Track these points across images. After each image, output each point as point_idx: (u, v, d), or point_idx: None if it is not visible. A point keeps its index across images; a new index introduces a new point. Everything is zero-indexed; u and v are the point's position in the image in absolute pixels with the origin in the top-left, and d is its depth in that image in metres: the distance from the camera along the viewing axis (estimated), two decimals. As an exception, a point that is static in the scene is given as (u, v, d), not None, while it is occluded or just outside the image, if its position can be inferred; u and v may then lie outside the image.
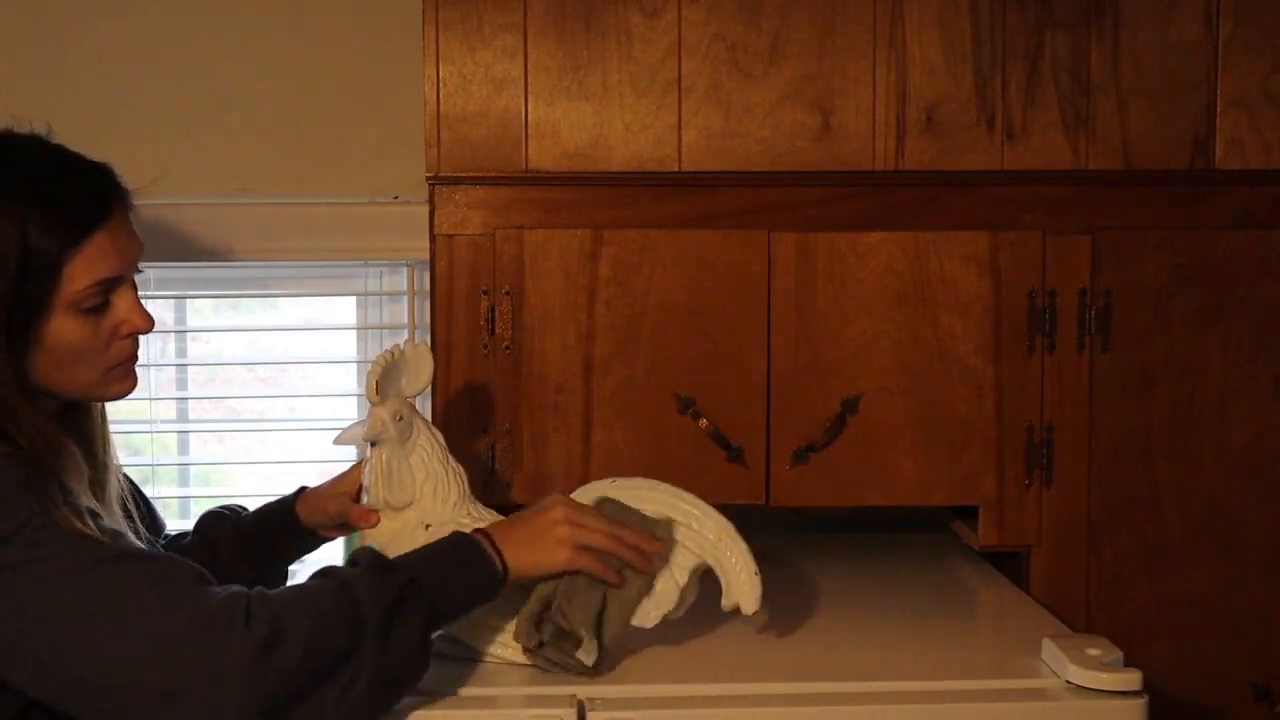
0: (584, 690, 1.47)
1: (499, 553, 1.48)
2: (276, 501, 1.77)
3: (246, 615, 1.33)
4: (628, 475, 1.63)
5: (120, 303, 1.48)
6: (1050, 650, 1.54)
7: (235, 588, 1.38)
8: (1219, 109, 1.89)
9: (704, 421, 1.87)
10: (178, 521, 2.11)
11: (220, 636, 1.32)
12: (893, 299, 1.88)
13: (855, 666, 1.58)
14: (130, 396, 1.55)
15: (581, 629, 1.49)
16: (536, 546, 1.49)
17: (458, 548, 1.48)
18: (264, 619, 1.34)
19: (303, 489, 1.76)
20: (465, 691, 1.50)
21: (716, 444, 1.88)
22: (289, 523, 1.74)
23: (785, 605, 1.72)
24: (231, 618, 1.33)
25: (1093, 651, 1.51)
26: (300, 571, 1.80)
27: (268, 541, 1.75)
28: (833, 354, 1.88)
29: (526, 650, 1.52)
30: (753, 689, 1.51)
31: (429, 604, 1.42)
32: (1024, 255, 1.88)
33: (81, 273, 1.43)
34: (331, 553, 1.88)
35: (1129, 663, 1.50)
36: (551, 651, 1.51)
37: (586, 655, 1.49)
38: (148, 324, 1.50)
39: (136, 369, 1.54)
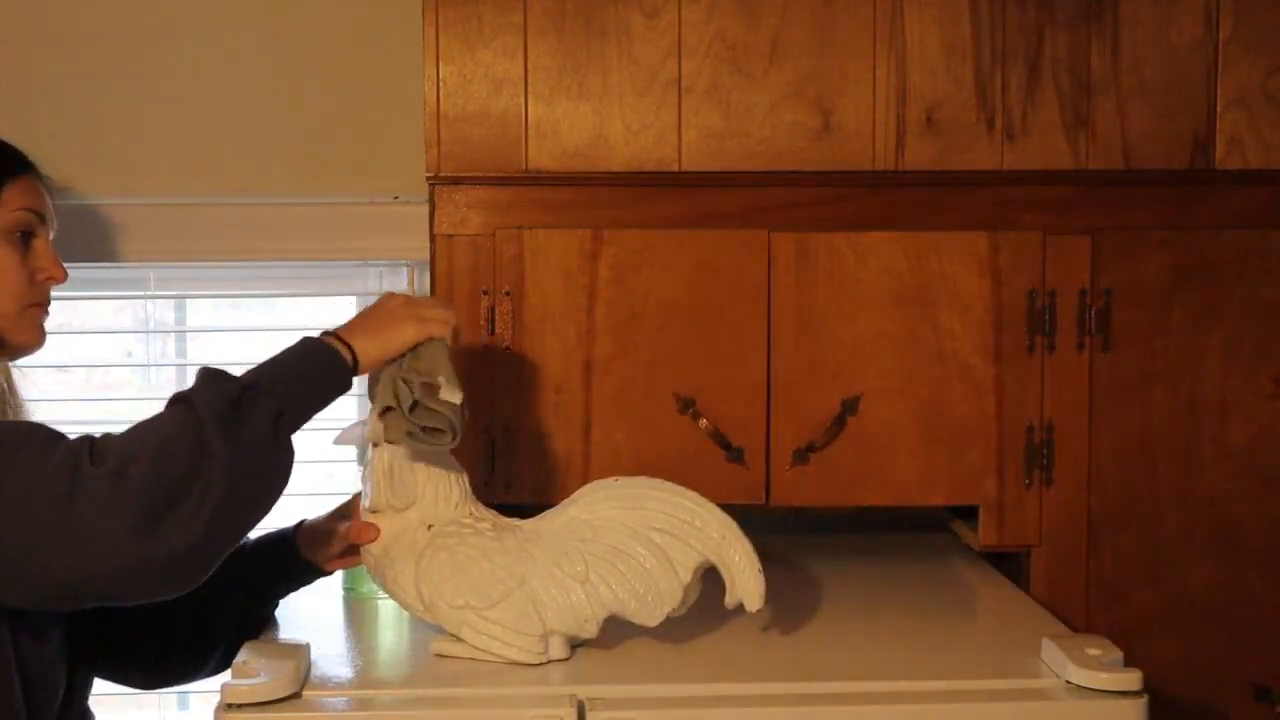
0: (584, 690, 1.47)
1: (346, 344, 1.54)
2: (276, 534, 1.76)
3: (91, 454, 1.39)
4: (622, 474, 1.64)
5: (41, 247, 1.69)
6: (1050, 650, 1.54)
7: (83, 435, 1.44)
8: (1219, 109, 1.89)
9: (704, 421, 1.87)
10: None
11: (69, 480, 1.37)
12: (893, 299, 1.88)
13: (855, 666, 1.57)
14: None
15: (439, 376, 1.53)
16: (383, 329, 1.56)
17: (303, 347, 1.54)
18: (111, 454, 1.39)
19: (302, 522, 1.76)
20: (465, 691, 1.50)
21: (716, 444, 1.88)
22: (289, 556, 1.74)
23: (785, 605, 1.72)
24: (76, 463, 1.38)
25: (1093, 651, 1.51)
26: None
27: (265, 574, 1.74)
28: (833, 354, 1.88)
29: (406, 426, 1.53)
30: (752, 689, 1.50)
31: (274, 402, 1.47)
32: (1024, 255, 1.88)
33: (17, 197, 1.66)
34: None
35: (1129, 663, 1.50)
36: (423, 414, 1.52)
37: (451, 394, 1.52)
38: (63, 274, 1.71)
39: (45, 326, 1.71)
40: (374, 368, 1.57)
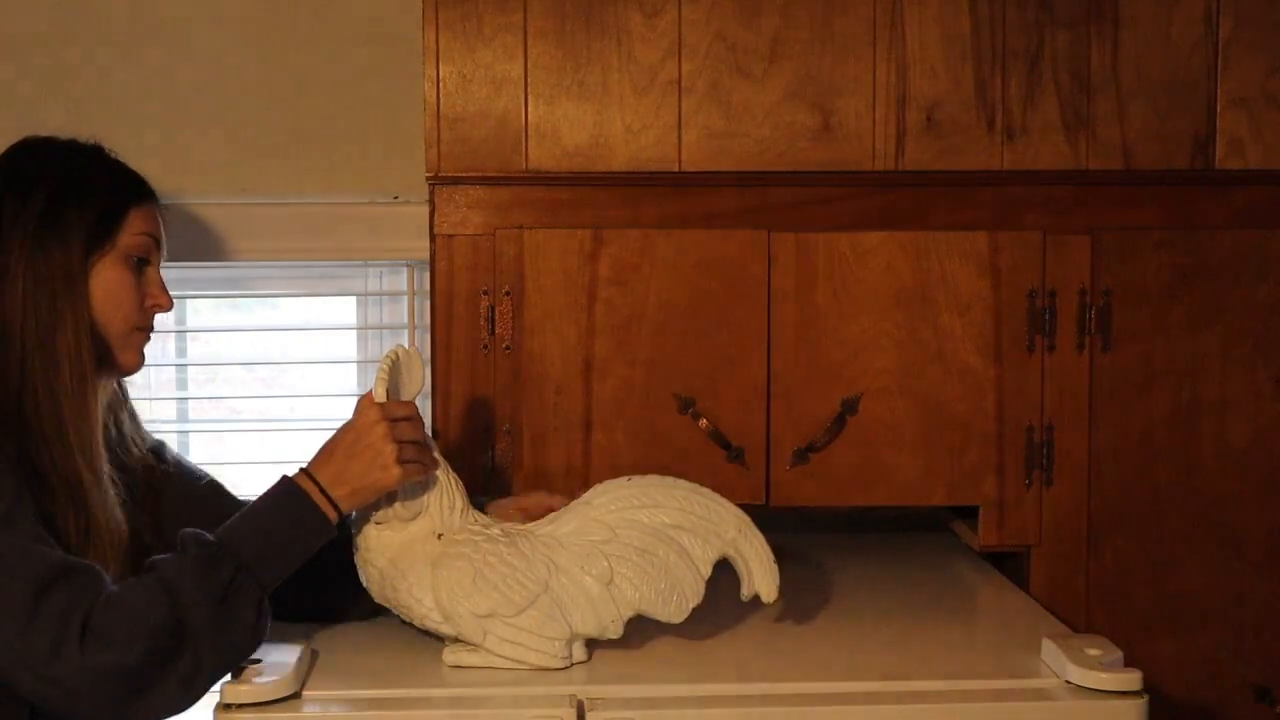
0: (584, 690, 1.47)
1: (330, 499, 1.54)
2: None
3: (81, 632, 1.42)
4: (622, 475, 1.63)
5: (153, 275, 1.72)
6: (1050, 650, 1.54)
7: (78, 592, 1.45)
8: (1219, 109, 1.89)
9: (704, 422, 1.87)
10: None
11: (51, 649, 1.41)
12: (893, 299, 1.88)
13: (855, 667, 1.58)
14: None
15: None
16: (368, 479, 1.55)
17: (290, 509, 1.54)
18: (99, 637, 1.42)
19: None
20: (465, 691, 1.50)
21: (716, 444, 1.88)
22: None
23: (785, 605, 1.71)
24: (63, 635, 1.42)
25: (1093, 651, 1.51)
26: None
27: None
28: (833, 354, 1.88)
29: None
30: (752, 689, 1.50)
31: (259, 584, 1.51)
32: (1024, 255, 1.88)
33: (139, 221, 1.69)
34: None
35: (1129, 663, 1.50)
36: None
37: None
38: (169, 303, 1.74)
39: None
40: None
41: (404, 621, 1.60)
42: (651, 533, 1.57)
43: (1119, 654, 1.51)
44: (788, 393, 1.88)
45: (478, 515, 1.61)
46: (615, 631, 1.56)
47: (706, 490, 1.59)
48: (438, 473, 1.59)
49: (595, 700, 1.45)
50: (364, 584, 1.61)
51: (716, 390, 1.88)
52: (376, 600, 1.62)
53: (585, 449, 1.88)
